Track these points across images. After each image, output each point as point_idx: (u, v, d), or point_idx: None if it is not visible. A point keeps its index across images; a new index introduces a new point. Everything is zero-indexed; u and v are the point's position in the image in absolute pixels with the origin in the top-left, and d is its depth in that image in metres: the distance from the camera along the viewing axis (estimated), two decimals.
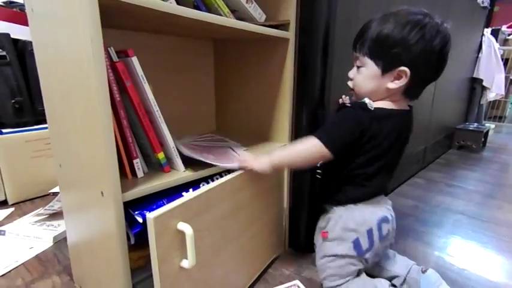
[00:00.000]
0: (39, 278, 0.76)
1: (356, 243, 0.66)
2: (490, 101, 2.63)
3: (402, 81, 0.61)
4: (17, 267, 0.80)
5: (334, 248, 0.68)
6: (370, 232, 0.66)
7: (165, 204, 0.49)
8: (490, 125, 2.36)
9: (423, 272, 0.69)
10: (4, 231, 0.96)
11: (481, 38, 2.24)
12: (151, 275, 0.48)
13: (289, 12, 0.73)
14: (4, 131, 1.13)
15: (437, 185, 1.45)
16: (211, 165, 0.62)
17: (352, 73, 0.68)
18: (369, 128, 0.62)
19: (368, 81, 0.64)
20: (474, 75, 2.29)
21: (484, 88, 2.36)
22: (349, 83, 0.69)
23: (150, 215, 0.45)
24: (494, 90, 2.36)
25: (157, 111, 0.55)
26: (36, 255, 0.85)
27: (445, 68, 0.63)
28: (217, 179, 0.62)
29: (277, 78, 0.79)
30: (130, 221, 0.52)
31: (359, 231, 0.66)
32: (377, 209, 0.68)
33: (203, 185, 0.60)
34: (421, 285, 0.67)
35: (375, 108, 0.62)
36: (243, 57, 0.87)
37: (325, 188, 0.76)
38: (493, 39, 2.27)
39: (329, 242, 0.69)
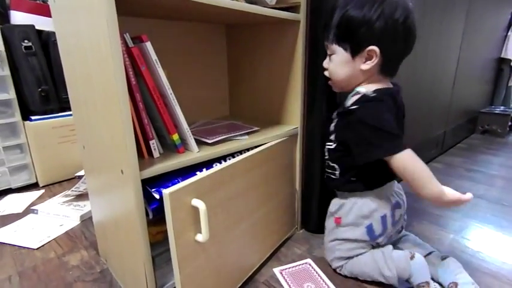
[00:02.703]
0: (69, 252, 0.83)
1: (369, 229, 0.68)
2: None
3: (374, 61, 0.61)
4: (49, 241, 0.88)
5: (347, 233, 0.70)
6: (384, 218, 0.67)
7: (179, 182, 0.52)
8: None
9: (442, 259, 0.68)
10: (37, 210, 1.04)
11: (511, 15, 2.11)
12: (168, 249, 0.52)
13: None
14: (33, 118, 1.20)
15: (456, 170, 1.41)
16: (224, 146, 0.65)
17: (325, 62, 0.69)
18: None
19: (341, 68, 0.66)
20: (502, 56, 2.17)
21: None
22: (325, 73, 0.70)
23: (166, 191, 0.48)
24: None
25: (171, 94, 0.57)
26: (66, 232, 0.93)
27: (415, 40, 0.63)
28: (229, 159, 0.65)
29: (289, 61, 0.79)
30: (148, 198, 0.56)
31: (373, 217, 0.67)
32: (390, 195, 0.69)
33: (216, 165, 0.63)
34: (439, 271, 0.66)
35: (374, 90, 0.63)
36: (255, 40, 0.87)
37: (339, 180, 0.71)
38: None
39: (342, 228, 0.71)
